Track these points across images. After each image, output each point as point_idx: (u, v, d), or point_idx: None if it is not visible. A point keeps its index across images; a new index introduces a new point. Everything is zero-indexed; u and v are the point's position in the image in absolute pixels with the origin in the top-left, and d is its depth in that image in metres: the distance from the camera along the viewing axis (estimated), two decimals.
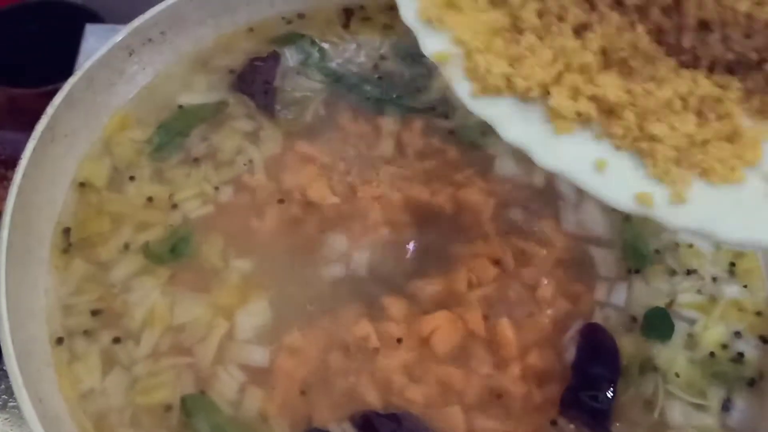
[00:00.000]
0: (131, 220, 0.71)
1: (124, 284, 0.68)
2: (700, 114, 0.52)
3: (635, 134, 0.51)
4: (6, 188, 0.66)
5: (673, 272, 0.73)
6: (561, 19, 0.55)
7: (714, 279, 0.73)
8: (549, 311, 0.69)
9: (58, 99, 0.70)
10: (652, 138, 0.51)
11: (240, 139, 0.77)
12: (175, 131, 0.77)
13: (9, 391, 0.74)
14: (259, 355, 0.66)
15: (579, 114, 0.52)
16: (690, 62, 0.54)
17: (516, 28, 0.55)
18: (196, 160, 0.76)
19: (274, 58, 0.82)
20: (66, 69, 0.87)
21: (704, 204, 0.49)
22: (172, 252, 0.69)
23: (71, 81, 0.72)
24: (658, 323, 0.69)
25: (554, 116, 0.52)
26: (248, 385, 0.64)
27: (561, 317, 0.68)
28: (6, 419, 0.73)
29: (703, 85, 0.53)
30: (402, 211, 0.74)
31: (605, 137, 0.52)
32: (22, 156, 0.67)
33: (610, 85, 0.52)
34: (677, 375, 0.66)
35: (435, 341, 0.66)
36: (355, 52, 0.85)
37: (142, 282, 0.68)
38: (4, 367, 0.75)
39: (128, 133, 0.77)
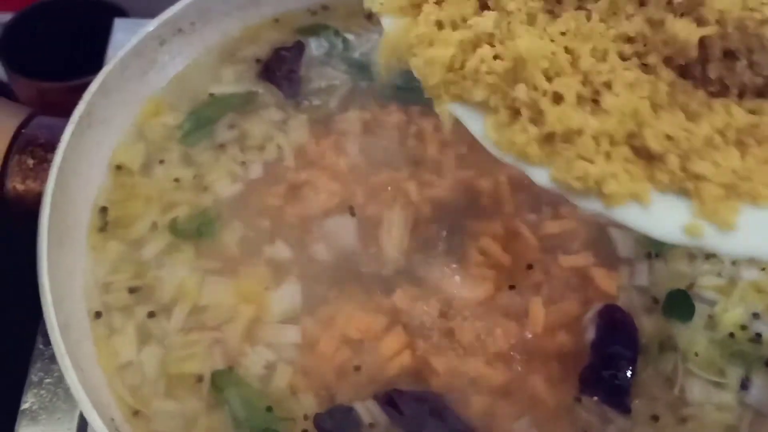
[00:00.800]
0: (160, 202, 0.74)
1: (155, 261, 0.70)
2: (739, 144, 0.52)
3: (680, 176, 0.50)
4: (46, 170, 0.68)
5: (693, 256, 0.74)
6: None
7: (733, 262, 0.74)
8: (570, 292, 0.70)
9: (94, 86, 0.73)
10: (697, 177, 0.50)
11: (268, 127, 0.80)
12: (205, 118, 0.79)
13: (45, 368, 0.77)
14: (288, 335, 0.67)
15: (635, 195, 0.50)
16: (718, 92, 0.54)
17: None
18: (223, 146, 0.78)
19: (299, 47, 0.84)
20: (94, 63, 0.89)
21: (755, 229, 0.49)
22: (198, 232, 0.72)
23: (106, 69, 0.75)
24: (679, 304, 0.70)
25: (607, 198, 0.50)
26: (277, 363, 0.66)
27: (583, 297, 0.70)
28: (41, 395, 0.76)
29: (738, 114, 0.52)
30: (423, 197, 0.75)
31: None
32: (61, 140, 0.69)
33: (652, 137, 0.50)
34: (696, 354, 0.68)
35: (460, 292, 0.69)
36: (378, 42, 0.87)
37: (171, 259, 0.70)
38: (40, 346, 0.79)
39: (161, 118, 0.80)
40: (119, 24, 1.03)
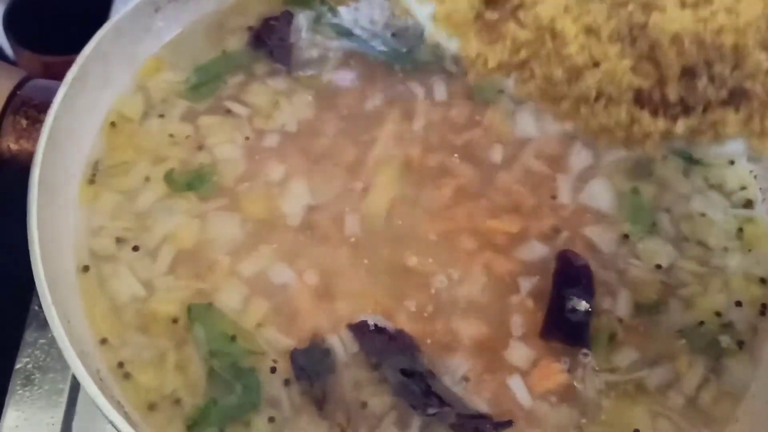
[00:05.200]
0: (154, 154, 0.75)
1: (149, 210, 0.72)
2: None
3: None
4: (39, 131, 0.69)
5: (685, 239, 0.74)
6: None
7: (725, 249, 0.73)
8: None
9: (87, 49, 0.74)
10: None
11: (266, 90, 0.81)
12: (213, 73, 0.81)
13: (39, 330, 0.78)
14: (272, 274, 0.69)
15: None
16: (682, 112, 0.53)
17: None
18: (221, 106, 0.79)
19: (287, 16, 0.85)
20: None
21: None
22: (189, 185, 0.73)
23: (100, 33, 0.76)
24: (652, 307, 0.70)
25: None
26: (252, 298, 0.68)
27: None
28: (36, 356, 0.77)
29: None
30: (409, 164, 0.76)
31: None
32: (54, 101, 0.70)
33: None
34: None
35: None
36: (368, 11, 0.87)
37: (165, 206, 0.72)
38: (35, 308, 0.80)
39: (162, 74, 0.81)
40: None
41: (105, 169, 0.74)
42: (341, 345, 0.65)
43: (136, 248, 0.70)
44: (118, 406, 0.57)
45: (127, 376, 0.63)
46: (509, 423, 0.62)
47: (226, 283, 0.68)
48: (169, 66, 0.82)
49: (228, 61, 0.83)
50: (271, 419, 0.62)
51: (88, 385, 0.55)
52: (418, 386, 0.62)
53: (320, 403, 0.62)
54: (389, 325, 0.66)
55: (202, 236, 0.71)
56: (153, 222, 0.71)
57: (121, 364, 0.64)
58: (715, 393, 0.66)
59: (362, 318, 0.66)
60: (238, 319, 0.66)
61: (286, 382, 0.64)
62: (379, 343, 0.64)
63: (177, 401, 0.62)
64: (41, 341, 0.78)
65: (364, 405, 0.63)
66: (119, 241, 0.70)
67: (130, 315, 0.66)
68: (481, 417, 0.62)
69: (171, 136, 0.77)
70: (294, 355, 0.64)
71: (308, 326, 0.66)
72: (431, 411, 0.62)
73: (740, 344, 0.69)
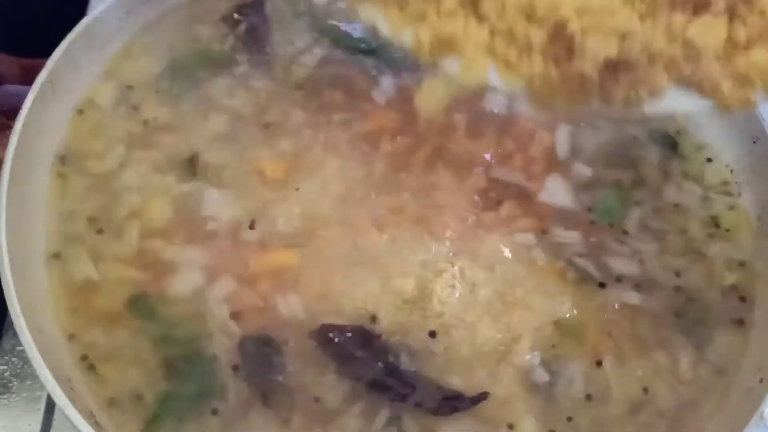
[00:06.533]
0: (129, 142, 0.75)
1: (119, 192, 0.72)
2: None
3: None
4: (8, 137, 0.68)
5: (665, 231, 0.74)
6: None
7: (705, 237, 0.74)
8: None
9: (57, 54, 0.73)
10: None
11: (241, 82, 0.80)
12: (185, 66, 0.80)
13: (17, 337, 0.77)
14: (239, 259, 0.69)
15: None
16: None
17: None
18: (196, 97, 0.79)
19: (258, 4, 0.85)
20: None
21: None
22: (163, 172, 0.73)
23: (69, 37, 0.75)
24: None
25: None
26: (209, 282, 0.68)
27: None
28: (13, 363, 0.77)
29: None
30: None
31: None
32: (23, 107, 0.69)
33: None
34: None
35: None
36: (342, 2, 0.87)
37: (137, 188, 0.72)
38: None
39: (135, 69, 0.80)
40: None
41: (76, 161, 0.74)
42: (294, 337, 0.65)
43: (100, 231, 0.70)
44: (89, 416, 0.57)
45: (91, 367, 0.63)
46: (485, 395, 0.63)
47: (184, 267, 0.68)
48: (142, 61, 0.81)
49: (201, 52, 0.82)
50: (214, 411, 0.62)
51: (58, 395, 0.55)
52: (391, 376, 0.63)
53: (267, 394, 0.62)
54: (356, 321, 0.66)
55: (170, 217, 0.71)
56: (122, 203, 0.71)
57: (84, 357, 0.64)
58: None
59: (323, 322, 0.66)
60: (191, 305, 0.66)
61: (235, 368, 0.63)
62: (345, 339, 0.64)
63: (138, 395, 0.62)
64: (18, 348, 0.77)
65: (317, 399, 0.63)
66: (90, 222, 0.70)
67: (91, 303, 0.66)
68: (458, 396, 0.63)
69: (145, 122, 0.76)
70: (244, 343, 0.64)
71: (264, 316, 0.66)
72: (409, 400, 0.62)
73: (717, 335, 0.69)
